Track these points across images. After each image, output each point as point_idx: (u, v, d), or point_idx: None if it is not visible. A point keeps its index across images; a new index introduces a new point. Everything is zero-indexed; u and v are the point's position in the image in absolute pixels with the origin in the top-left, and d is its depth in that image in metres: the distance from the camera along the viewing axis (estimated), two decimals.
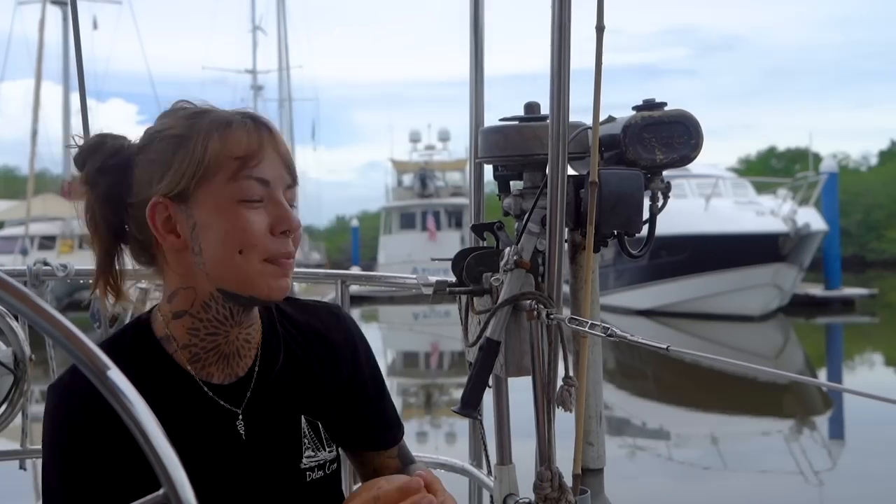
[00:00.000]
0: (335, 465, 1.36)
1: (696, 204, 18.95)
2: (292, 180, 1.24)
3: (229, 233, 1.17)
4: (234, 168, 1.17)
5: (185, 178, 1.17)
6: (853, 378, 12.50)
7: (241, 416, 1.26)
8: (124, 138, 1.26)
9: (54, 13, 28.38)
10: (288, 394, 1.31)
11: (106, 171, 1.23)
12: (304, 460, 1.30)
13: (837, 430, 9.42)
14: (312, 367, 1.35)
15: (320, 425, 1.33)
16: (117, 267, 1.28)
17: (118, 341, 1.26)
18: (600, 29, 1.22)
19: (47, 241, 24.41)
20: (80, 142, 1.29)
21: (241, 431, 1.26)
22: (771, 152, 58.66)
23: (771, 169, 50.70)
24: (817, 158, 28.52)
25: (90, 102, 1.90)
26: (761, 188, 23.20)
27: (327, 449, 1.34)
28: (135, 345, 1.24)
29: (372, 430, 1.44)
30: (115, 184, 1.23)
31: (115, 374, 0.69)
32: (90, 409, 1.14)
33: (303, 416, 1.32)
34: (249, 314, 1.26)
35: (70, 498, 1.18)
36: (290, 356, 1.33)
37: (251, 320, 1.27)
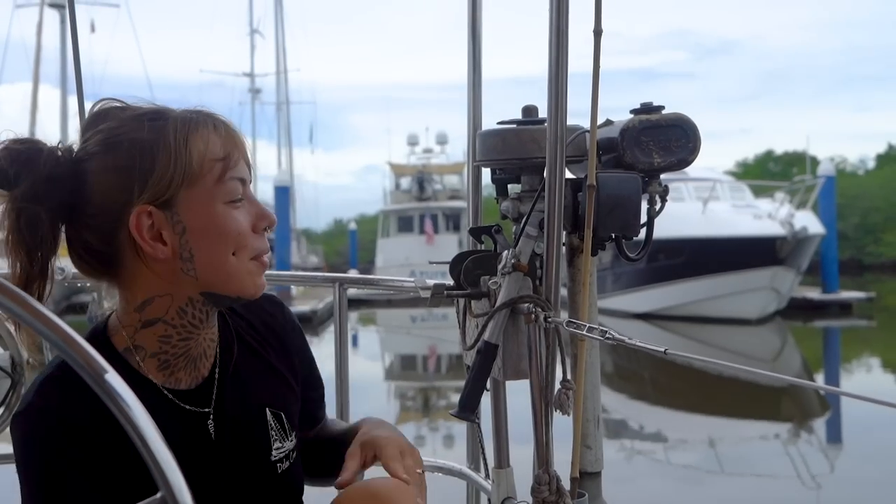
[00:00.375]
0: (296, 452, 1.36)
1: (693, 207, 18.95)
2: (251, 175, 1.24)
3: (224, 235, 1.16)
4: (220, 170, 1.16)
5: (172, 184, 1.13)
6: (850, 382, 12.49)
7: (210, 417, 1.25)
8: (49, 144, 1.18)
9: (52, 16, 28.40)
10: (250, 388, 1.30)
11: (57, 181, 1.14)
12: (274, 452, 1.30)
13: (835, 434, 9.42)
14: (269, 357, 1.35)
15: (283, 416, 1.33)
16: (49, 286, 1.19)
17: None
18: (598, 33, 1.22)
19: None
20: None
21: (211, 433, 1.24)
22: (768, 156, 58.69)
23: (768, 172, 50.73)
24: (815, 162, 28.49)
25: (88, 106, 1.89)
26: (759, 192, 23.20)
27: (290, 438, 1.34)
28: None
29: (316, 410, 1.49)
30: (69, 194, 1.15)
31: (113, 378, 0.69)
32: (87, 403, 1.07)
33: (267, 409, 1.31)
34: (215, 315, 1.26)
35: None
36: (245, 348, 1.32)
37: (214, 321, 1.26)
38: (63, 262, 1.31)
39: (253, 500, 1.28)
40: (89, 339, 1.21)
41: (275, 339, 1.38)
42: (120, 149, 1.14)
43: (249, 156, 1.24)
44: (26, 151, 1.15)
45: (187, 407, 1.23)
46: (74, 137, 1.24)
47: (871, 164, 57.27)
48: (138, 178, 1.13)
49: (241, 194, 1.18)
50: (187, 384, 1.24)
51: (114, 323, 1.22)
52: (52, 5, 28.06)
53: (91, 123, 1.18)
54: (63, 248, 1.21)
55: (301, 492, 1.38)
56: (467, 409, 1.27)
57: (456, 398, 1.30)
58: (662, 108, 1.40)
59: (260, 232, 1.20)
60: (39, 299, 1.17)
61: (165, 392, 1.21)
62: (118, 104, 1.20)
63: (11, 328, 1.96)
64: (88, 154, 1.16)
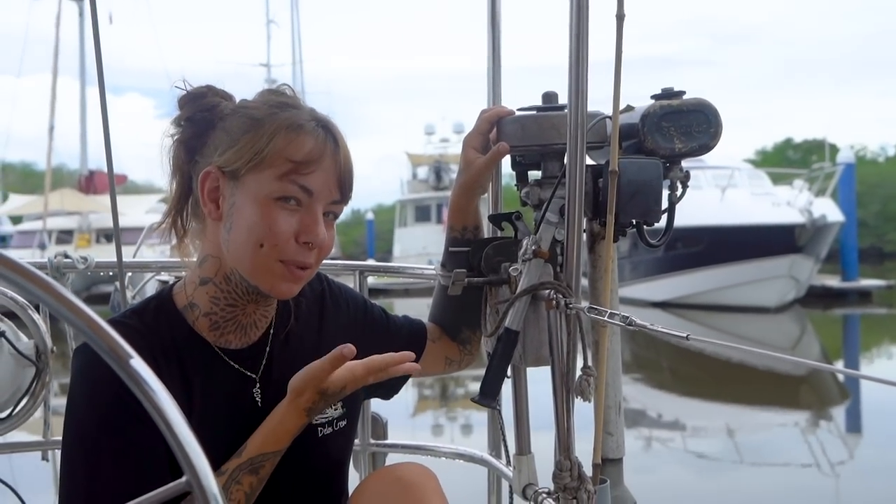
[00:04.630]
0: (343, 422, 1.43)
1: (711, 195, 18.82)
2: (341, 197, 1.30)
3: (257, 225, 1.24)
4: (286, 169, 1.24)
5: (241, 160, 1.24)
6: (870, 369, 12.39)
7: (258, 383, 1.33)
8: (228, 98, 1.33)
9: (70, 8, 28.49)
10: (299, 356, 1.36)
11: (192, 122, 1.31)
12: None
13: (854, 422, 9.37)
14: (323, 332, 1.43)
15: None
16: (187, 214, 1.34)
17: (142, 310, 1.29)
18: (620, 17, 1.21)
19: (65, 236, 24.54)
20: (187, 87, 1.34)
21: (257, 398, 1.32)
22: (788, 143, 58.18)
23: (788, 160, 50.28)
24: (834, 149, 28.21)
25: (108, 98, 1.89)
26: (778, 179, 22.99)
27: (335, 406, 1.40)
28: (157, 314, 1.29)
29: (417, 336, 1.59)
30: (194, 136, 1.30)
31: (138, 363, 0.69)
32: (154, 347, 1.23)
33: None
34: (267, 297, 1.31)
35: (126, 475, 1.15)
36: (299, 322, 1.41)
37: (269, 300, 1.33)
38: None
39: (294, 458, 1.33)
40: (155, 296, 1.33)
41: (327, 314, 1.46)
42: (236, 117, 1.28)
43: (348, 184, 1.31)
44: (197, 93, 1.32)
45: (236, 366, 1.31)
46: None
47: (892, 152, 56.75)
48: (226, 143, 1.26)
49: (296, 198, 1.24)
50: (237, 346, 1.32)
51: (180, 284, 1.34)
52: None
53: (255, 95, 1.34)
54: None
55: (344, 461, 1.45)
56: (488, 396, 1.28)
57: (474, 386, 1.30)
58: (683, 93, 1.39)
59: (301, 243, 1.25)
60: (185, 222, 1.34)
61: (217, 350, 1.30)
62: (288, 89, 1.34)
63: (35, 317, 1.98)
64: (223, 114, 1.30)
